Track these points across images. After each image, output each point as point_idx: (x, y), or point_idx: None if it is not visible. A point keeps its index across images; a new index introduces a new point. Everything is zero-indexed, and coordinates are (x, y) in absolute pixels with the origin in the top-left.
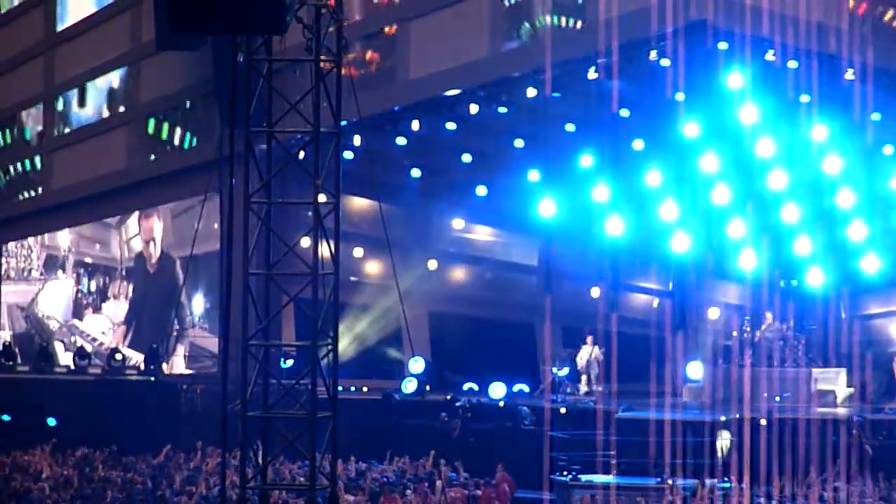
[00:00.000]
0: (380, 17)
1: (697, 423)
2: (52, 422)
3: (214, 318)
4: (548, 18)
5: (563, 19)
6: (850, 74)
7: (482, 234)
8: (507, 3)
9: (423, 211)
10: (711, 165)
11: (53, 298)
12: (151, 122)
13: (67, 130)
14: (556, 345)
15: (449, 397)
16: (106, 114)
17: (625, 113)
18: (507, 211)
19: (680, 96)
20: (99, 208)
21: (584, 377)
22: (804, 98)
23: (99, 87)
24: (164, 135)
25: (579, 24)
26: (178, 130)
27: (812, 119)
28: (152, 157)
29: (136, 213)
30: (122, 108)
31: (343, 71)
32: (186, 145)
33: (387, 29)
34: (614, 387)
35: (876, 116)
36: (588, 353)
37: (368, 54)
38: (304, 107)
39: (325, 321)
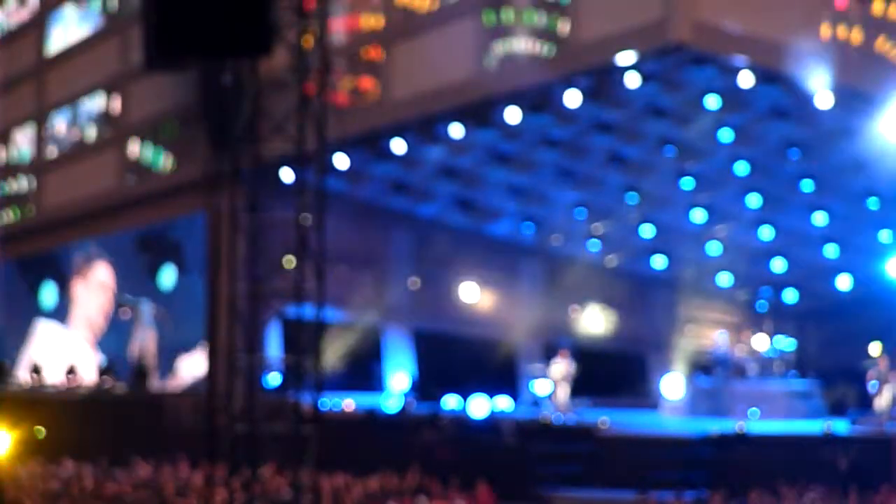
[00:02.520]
0: (364, 39)
1: (676, 438)
2: (41, 435)
3: None
4: (527, 41)
5: (543, 42)
6: (821, 95)
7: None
8: (489, 26)
9: (405, 229)
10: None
11: None
12: (139, 143)
13: (58, 151)
14: (535, 360)
15: (432, 413)
16: (96, 135)
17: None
18: (490, 229)
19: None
20: (90, 227)
21: (558, 391)
22: (777, 118)
23: (89, 109)
24: (152, 155)
25: (557, 46)
26: (166, 151)
27: (785, 139)
28: (140, 177)
29: None
30: (111, 129)
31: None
32: (174, 165)
33: (373, 53)
34: (593, 401)
35: (846, 136)
36: (561, 367)
37: (366, 83)
38: (291, 126)
39: (309, 337)
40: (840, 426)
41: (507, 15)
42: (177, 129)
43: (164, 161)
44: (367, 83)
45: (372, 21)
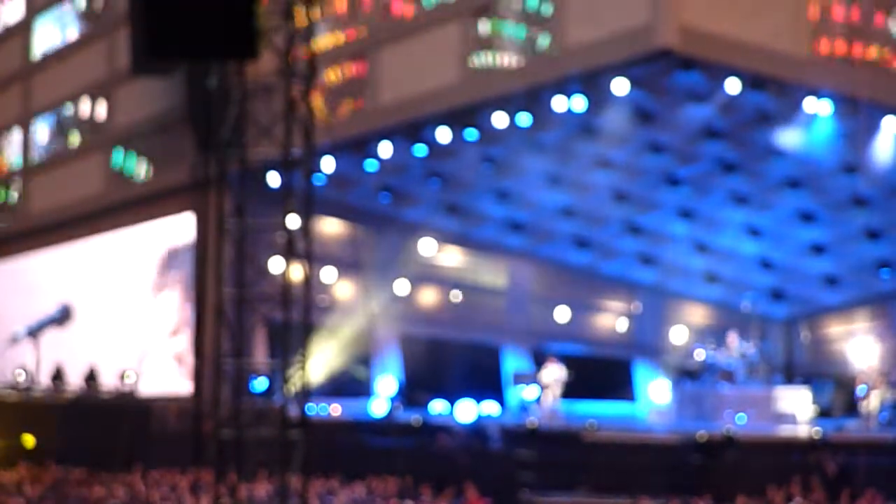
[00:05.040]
0: (351, 44)
1: (663, 442)
2: (30, 441)
3: None
4: (512, 47)
5: (531, 46)
6: (812, 102)
7: (452, 256)
8: (477, 31)
9: (393, 234)
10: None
11: None
12: (125, 147)
13: (45, 156)
14: (523, 365)
15: (419, 419)
16: (82, 139)
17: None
18: (477, 234)
19: (645, 123)
20: (76, 231)
21: (547, 397)
22: (766, 125)
23: (75, 113)
24: (138, 159)
25: (546, 49)
26: (152, 155)
27: (775, 147)
28: (126, 181)
29: None
30: (97, 134)
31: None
32: (160, 170)
33: (358, 62)
34: (580, 406)
35: (837, 143)
36: (551, 372)
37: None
38: (277, 131)
39: (296, 342)
40: (827, 431)
41: (493, 22)
42: (163, 134)
43: (151, 165)
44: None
45: (358, 30)
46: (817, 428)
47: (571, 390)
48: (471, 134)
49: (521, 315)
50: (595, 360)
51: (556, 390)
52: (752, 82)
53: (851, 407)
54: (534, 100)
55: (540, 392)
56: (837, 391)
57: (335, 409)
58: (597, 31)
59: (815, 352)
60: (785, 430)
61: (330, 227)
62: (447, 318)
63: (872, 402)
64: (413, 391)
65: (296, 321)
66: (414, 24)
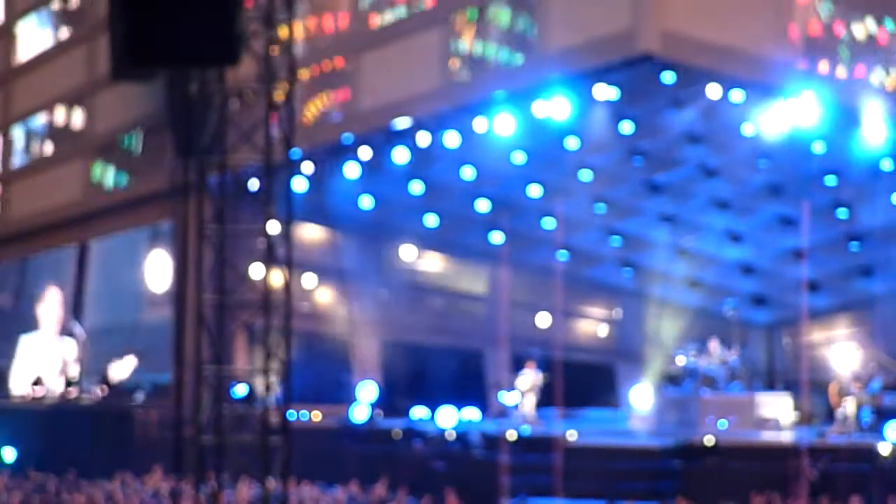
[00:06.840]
0: (331, 49)
1: (645, 448)
2: (11, 447)
3: None
4: (495, 50)
5: (511, 50)
6: (792, 107)
7: (432, 262)
8: (458, 36)
9: (373, 239)
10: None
11: None
12: (106, 153)
13: (25, 161)
14: (503, 371)
15: (400, 425)
16: (62, 145)
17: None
18: (457, 240)
19: (627, 128)
20: (55, 238)
21: (526, 402)
22: (747, 129)
23: (55, 119)
24: (118, 165)
25: (527, 54)
26: (133, 161)
27: (756, 152)
28: (107, 187)
29: None
30: (77, 140)
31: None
32: (141, 175)
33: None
34: (561, 412)
35: (818, 149)
36: (529, 378)
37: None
38: (258, 136)
39: (277, 348)
40: (808, 437)
41: (473, 28)
42: (143, 140)
43: (131, 171)
44: (335, 95)
45: (338, 32)
46: (799, 434)
47: (553, 396)
48: (451, 139)
49: (501, 321)
50: (576, 365)
51: (533, 396)
52: (734, 87)
53: (832, 413)
54: (514, 105)
55: (520, 398)
56: (818, 397)
57: (316, 415)
58: (578, 36)
59: (797, 358)
60: (766, 436)
61: (310, 232)
62: (429, 323)
63: (849, 407)
64: (394, 397)
65: (276, 327)
66: (394, 31)
